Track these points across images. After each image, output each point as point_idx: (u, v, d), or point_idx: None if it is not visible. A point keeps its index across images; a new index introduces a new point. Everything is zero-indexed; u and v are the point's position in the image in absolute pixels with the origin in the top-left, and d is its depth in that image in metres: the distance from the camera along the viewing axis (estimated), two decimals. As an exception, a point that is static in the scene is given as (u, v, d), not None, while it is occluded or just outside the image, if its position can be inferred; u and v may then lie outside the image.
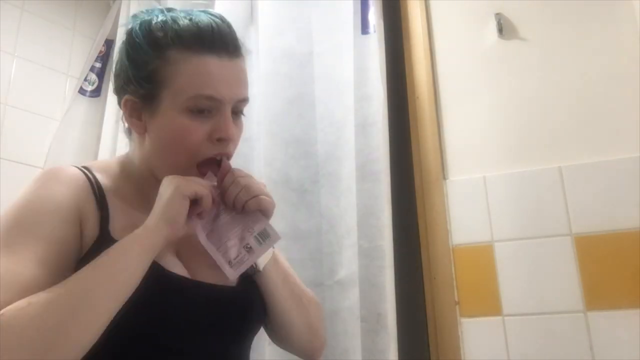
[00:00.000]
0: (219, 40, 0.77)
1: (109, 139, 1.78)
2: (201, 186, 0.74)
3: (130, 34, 0.79)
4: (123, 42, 0.81)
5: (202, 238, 0.78)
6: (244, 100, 0.81)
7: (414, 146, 1.47)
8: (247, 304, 0.83)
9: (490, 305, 1.27)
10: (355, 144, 1.40)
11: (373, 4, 1.55)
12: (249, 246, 0.79)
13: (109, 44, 2.00)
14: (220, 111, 0.77)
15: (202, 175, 0.78)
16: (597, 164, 1.26)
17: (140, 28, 0.78)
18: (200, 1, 1.81)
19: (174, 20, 0.77)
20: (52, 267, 0.67)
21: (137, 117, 0.80)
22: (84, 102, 1.95)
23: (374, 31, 1.52)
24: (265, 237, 0.79)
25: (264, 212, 0.79)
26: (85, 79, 1.98)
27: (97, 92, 1.99)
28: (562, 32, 1.38)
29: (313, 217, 1.39)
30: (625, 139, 1.25)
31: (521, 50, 1.42)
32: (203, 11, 0.80)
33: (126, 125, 0.84)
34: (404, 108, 1.53)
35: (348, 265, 1.31)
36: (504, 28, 1.43)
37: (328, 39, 1.52)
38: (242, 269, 0.79)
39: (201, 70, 0.75)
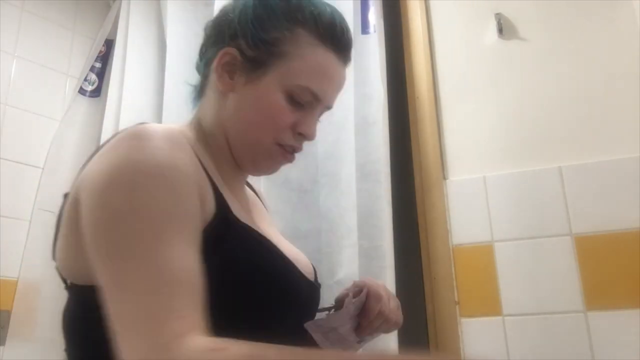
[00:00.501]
0: (345, 42, 0.76)
1: (109, 139, 1.78)
2: None
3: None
4: (251, 4, 0.74)
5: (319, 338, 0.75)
6: (329, 108, 0.80)
7: (414, 146, 1.47)
8: (317, 302, 0.83)
9: (490, 305, 1.27)
10: (355, 144, 1.40)
11: (373, 4, 1.55)
12: (360, 341, 0.83)
13: (109, 44, 2.00)
14: (313, 109, 0.76)
15: None
16: (597, 164, 1.26)
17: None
18: (200, 1, 1.81)
19: (312, 2, 0.74)
20: (196, 247, 0.58)
21: (229, 74, 0.74)
22: (84, 102, 1.96)
23: (374, 31, 1.52)
24: (379, 334, 0.85)
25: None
26: (85, 79, 1.98)
27: (97, 92, 1.99)
28: (562, 32, 1.38)
29: (313, 218, 1.39)
30: (625, 139, 1.25)
31: (521, 50, 1.42)
32: (334, 9, 0.77)
33: (209, 78, 0.77)
34: (404, 108, 1.53)
35: (348, 265, 1.31)
36: (504, 28, 1.43)
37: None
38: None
39: (322, 66, 0.74)
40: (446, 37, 1.53)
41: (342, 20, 0.76)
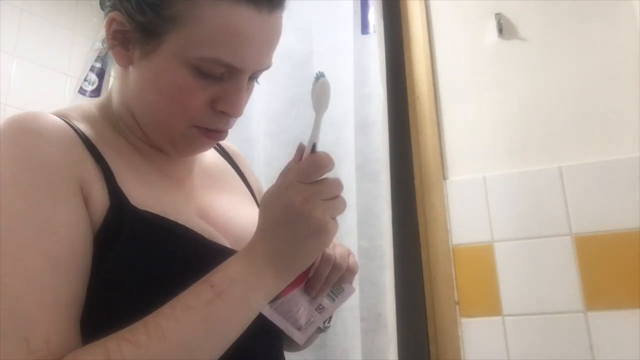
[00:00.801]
0: None
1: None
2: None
3: None
4: None
5: (266, 310, 0.62)
6: (267, 68, 0.64)
7: (414, 146, 1.47)
8: None
9: (490, 305, 1.27)
10: (355, 144, 1.39)
11: (373, 4, 1.55)
12: (321, 307, 0.68)
13: (109, 44, 2.00)
14: (235, 79, 0.60)
15: None
16: (597, 164, 1.26)
17: None
18: None
19: None
20: (71, 263, 0.50)
21: (122, 44, 0.60)
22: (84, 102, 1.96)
23: (374, 31, 1.52)
24: (339, 292, 0.70)
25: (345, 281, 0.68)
26: (85, 79, 1.98)
27: (97, 92, 1.98)
28: (562, 32, 1.38)
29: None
30: (625, 139, 1.25)
31: (521, 50, 1.42)
32: None
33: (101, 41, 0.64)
34: (404, 108, 1.53)
35: (348, 265, 1.31)
36: (504, 28, 1.43)
37: (328, 39, 1.52)
38: (312, 329, 0.68)
39: (231, 27, 0.56)
40: (446, 37, 1.53)
41: None
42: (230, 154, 0.84)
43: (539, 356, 1.21)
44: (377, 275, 1.31)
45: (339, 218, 0.58)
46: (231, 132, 0.68)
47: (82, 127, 0.60)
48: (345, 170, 1.39)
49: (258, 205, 0.73)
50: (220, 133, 0.64)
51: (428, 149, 1.44)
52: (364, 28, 1.54)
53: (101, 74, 2.01)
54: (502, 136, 1.39)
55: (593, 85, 1.32)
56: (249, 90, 0.65)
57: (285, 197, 0.54)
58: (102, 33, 0.63)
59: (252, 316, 0.54)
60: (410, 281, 1.42)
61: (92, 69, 2.01)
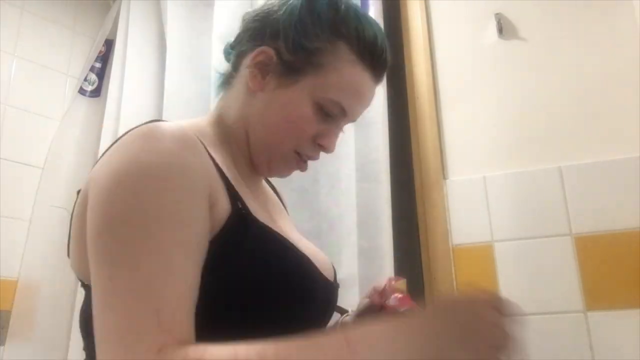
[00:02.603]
0: (383, 63, 0.75)
1: (109, 139, 1.78)
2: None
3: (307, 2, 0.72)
4: (302, 1, 0.73)
5: None
6: (354, 121, 0.79)
7: (414, 146, 1.47)
8: (336, 303, 0.82)
9: (490, 305, 1.27)
10: (355, 144, 1.40)
11: (373, 3, 1.55)
12: None
13: (109, 44, 2.00)
14: (338, 123, 0.75)
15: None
16: (597, 164, 1.26)
17: (327, 3, 0.72)
18: (201, 1, 1.81)
19: (358, 18, 0.73)
20: (199, 260, 0.57)
21: (262, 73, 0.72)
22: (84, 102, 1.96)
23: (374, 31, 1.52)
24: None
25: None
26: (85, 79, 1.99)
27: (97, 92, 1.99)
28: (562, 32, 1.38)
29: (313, 217, 1.39)
30: (625, 139, 1.25)
31: (521, 50, 1.42)
32: (377, 25, 0.76)
33: (240, 72, 0.75)
34: (404, 108, 1.53)
35: (348, 265, 1.31)
36: (504, 28, 1.43)
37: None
38: None
39: (356, 83, 0.73)
40: (446, 37, 1.53)
41: (384, 40, 0.75)
42: (276, 189, 0.96)
43: (539, 356, 1.20)
44: (377, 275, 1.31)
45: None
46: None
47: (202, 140, 0.66)
48: (345, 170, 1.39)
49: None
50: (306, 163, 0.77)
51: (428, 149, 1.44)
52: (364, 28, 1.54)
53: (101, 74, 2.01)
54: (502, 136, 1.39)
55: (593, 85, 1.32)
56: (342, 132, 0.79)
57: (480, 308, 0.58)
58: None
59: None
60: (410, 281, 1.42)
61: (92, 69, 2.01)
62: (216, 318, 0.56)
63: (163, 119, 1.65)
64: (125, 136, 0.62)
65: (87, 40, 2.08)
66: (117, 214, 0.55)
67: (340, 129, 0.77)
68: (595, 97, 1.31)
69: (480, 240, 1.32)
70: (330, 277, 0.77)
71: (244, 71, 0.74)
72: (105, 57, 2.01)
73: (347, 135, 1.41)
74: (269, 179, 0.93)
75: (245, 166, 0.76)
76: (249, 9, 1.88)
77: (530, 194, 1.31)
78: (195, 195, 0.58)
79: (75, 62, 2.03)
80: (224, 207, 0.61)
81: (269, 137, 0.73)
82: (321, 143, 0.75)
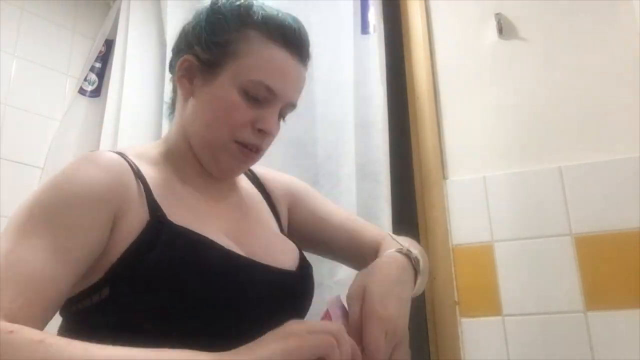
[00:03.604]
0: (297, 41, 0.79)
1: (109, 139, 1.78)
2: (327, 343, 0.55)
3: (216, 2, 0.80)
4: (205, 8, 0.81)
5: None
6: (292, 106, 0.82)
7: (414, 146, 1.47)
8: (304, 291, 0.81)
9: (490, 305, 1.27)
10: (355, 144, 1.39)
11: (373, 4, 1.55)
12: None
13: (109, 44, 2.00)
14: (271, 105, 0.77)
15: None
16: (597, 164, 1.25)
17: (231, 3, 0.79)
18: (201, 1, 1.81)
19: (263, 7, 0.78)
20: (71, 258, 0.62)
21: (188, 79, 0.79)
22: (84, 102, 1.96)
23: (374, 31, 1.52)
24: None
25: None
26: (85, 79, 1.99)
27: (97, 92, 1.99)
28: (562, 32, 1.38)
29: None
30: (625, 139, 1.25)
31: (521, 50, 1.42)
32: (288, 14, 0.81)
33: (169, 94, 0.85)
34: (404, 108, 1.53)
35: (348, 265, 1.31)
36: (504, 28, 1.43)
37: (328, 39, 1.52)
38: None
39: (274, 61, 0.76)
40: (446, 37, 1.53)
41: (296, 21, 0.80)
42: (262, 180, 0.96)
43: (539, 356, 1.20)
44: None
45: None
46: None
47: (137, 162, 0.74)
48: (345, 170, 1.39)
49: (281, 228, 0.91)
50: (255, 152, 0.79)
51: (428, 149, 1.44)
52: (364, 28, 1.54)
53: (101, 74, 2.01)
54: (502, 136, 1.39)
55: (593, 85, 1.32)
56: (279, 124, 0.81)
57: (289, 327, 0.57)
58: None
59: None
60: (410, 281, 1.42)
61: (92, 69, 2.01)
62: (137, 326, 0.62)
63: (163, 118, 1.65)
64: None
65: (87, 40, 2.08)
66: (20, 211, 0.64)
67: (276, 111, 0.78)
68: (595, 97, 1.31)
69: (480, 240, 1.32)
70: (285, 267, 0.78)
71: (180, 90, 0.81)
72: (105, 57, 2.01)
73: (347, 136, 1.41)
74: (265, 183, 0.95)
75: (196, 177, 0.80)
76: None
77: (530, 194, 1.31)
78: (92, 210, 0.65)
79: (75, 62, 2.03)
80: (139, 217, 0.68)
81: (205, 133, 0.77)
82: (260, 127, 0.77)
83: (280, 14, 0.79)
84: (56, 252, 0.61)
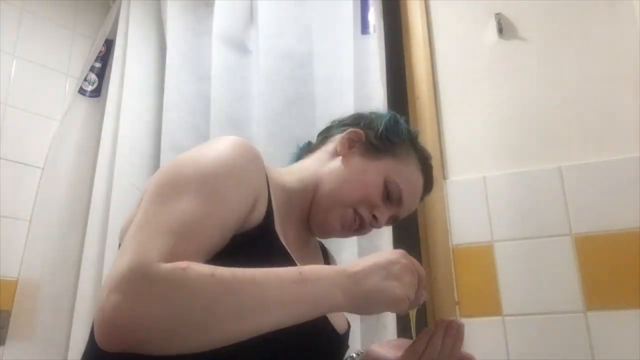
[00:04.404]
0: (431, 182, 0.96)
1: (109, 139, 1.78)
2: (411, 293, 0.69)
3: (396, 115, 0.95)
4: (388, 114, 0.95)
5: None
6: (395, 220, 0.94)
7: (414, 146, 1.47)
8: (344, 351, 0.89)
9: (490, 305, 1.27)
10: (355, 144, 1.39)
11: (373, 4, 1.55)
12: None
13: (109, 44, 2.00)
14: (392, 207, 0.89)
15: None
16: (597, 164, 1.26)
17: (406, 127, 0.94)
18: (201, 1, 1.81)
19: (421, 144, 0.96)
20: (226, 232, 0.66)
21: (350, 145, 0.89)
22: (84, 102, 1.95)
23: (374, 31, 1.52)
24: None
25: None
26: (85, 79, 1.99)
27: (97, 92, 1.99)
28: (562, 32, 1.38)
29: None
30: (625, 139, 1.25)
31: (521, 50, 1.42)
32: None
33: (324, 144, 0.93)
34: (404, 108, 1.53)
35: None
36: (504, 28, 1.43)
37: (328, 39, 1.52)
38: None
39: (415, 181, 0.91)
40: (446, 37, 1.53)
41: (432, 168, 0.97)
42: (329, 255, 1.07)
43: (539, 356, 1.21)
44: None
45: None
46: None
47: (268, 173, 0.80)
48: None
49: None
50: (356, 230, 0.88)
51: (428, 149, 1.43)
52: (364, 28, 1.54)
53: (101, 74, 2.01)
54: (502, 136, 1.39)
55: (593, 85, 1.32)
56: (385, 223, 0.90)
57: (395, 258, 0.70)
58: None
59: (306, 316, 0.63)
60: (410, 281, 1.42)
61: (92, 69, 2.01)
62: None
63: (163, 118, 1.65)
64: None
65: (87, 40, 2.08)
66: (179, 173, 0.67)
67: (390, 211, 0.89)
68: (596, 97, 1.31)
69: (480, 240, 1.32)
70: (339, 329, 0.82)
71: (330, 144, 0.91)
72: (105, 57, 2.01)
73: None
74: (326, 247, 1.06)
75: (300, 219, 0.88)
76: (249, 9, 1.89)
77: (530, 194, 1.31)
78: (245, 190, 0.69)
79: (75, 62, 2.03)
80: (258, 215, 0.72)
81: (338, 189, 0.86)
82: (376, 214, 0.87)
83: (429, 154, 0.96)
84: (223, 225, 0.65)
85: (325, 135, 0.96)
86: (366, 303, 0.66)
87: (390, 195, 0.87)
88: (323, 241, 1.05)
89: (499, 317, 1.26)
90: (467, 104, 1.45)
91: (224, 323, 0.56)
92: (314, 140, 1.00)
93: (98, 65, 2.01)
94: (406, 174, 0.89)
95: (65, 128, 1.90)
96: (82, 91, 1.97)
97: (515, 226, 1.30)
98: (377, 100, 1.44)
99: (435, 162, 1.43)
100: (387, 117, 0.93)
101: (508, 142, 1.38)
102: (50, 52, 1.96)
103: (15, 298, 1.70)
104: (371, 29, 1.53)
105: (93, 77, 2.00)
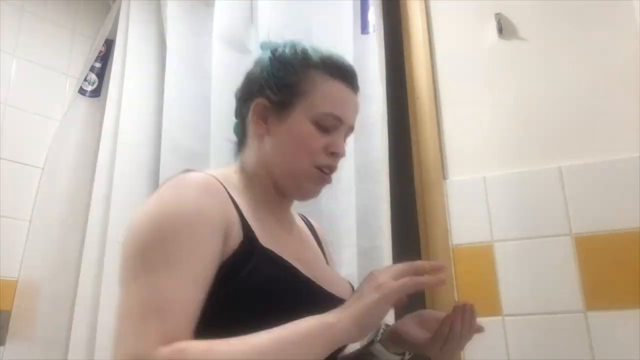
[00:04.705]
0: (351, 76, 0.90)
1: (109, 139, 1.78)
2: (413, 282, 0.72)
3: (277, 50, 0.90)
4: (267, 56, 0.90)
5: None
6: (352, 129, 0.92)
7: (414, 146, 1.47)
8: None
9: (490, 305, 1.27)
10: (354, 144, 1.39)
11: (373, 3, 1.55)
12: None
13: (109, 44, 2.00)
14: (338, 131, 0.88)
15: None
16: (597, 164, 1.26)
17: (289, 48, 0.89)
18: (201, 1, 1.81)
19: (315, 49, 0.90)
20: (204, 283, 0.70)
21: (263, 119, 0.88)
22: (84, 102, 1.96)
23: (374, 31, 1.52)
24: None
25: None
26: (85, 79, 1.99)
27: (97, 92, 1.99)
28: (562, 32, 1.38)
29: (313, 217, 1.39)
30: (625, 139, 1.25)
31: (521, 50, 1.42)
32: (337, 53, 0.93)
33: (247, 130, 0.91)
34: (404, 108, 1.53)
35: (348, 265, 1.31)
36: (504, 28, 1.43)
37: (328, 39, 1.52)
38: None
39: (337, 94, 0.87)
40: (446, 37, 1.53)
41: (342, 57, 0.92)
42: (315, 228, 1.08)
43: (539, 356, 1.21)
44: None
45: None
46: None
47: (224, 185, 0.81)
48: (344, 171, 1.39)
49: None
50: (330, 175, 0.89)
51: (428, 149, 1.44)
52: (364, 27, 1.54)
53: (101, 74, 2.01)
54: (502, 136, 1.39)
55: (593, 85, 1.32)
56: (346, 144, 0.90)
57: (372, 277, 0.73)
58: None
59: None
60: (410, 281, 1.42)
61: (92, 69, 2.01)
62: (225, 324, 0.67)
63: (163, 118, 1.65)
64: (162, 187, 0.77)
65: (87, 40, 2.08)
66: (145, 246, 0.70)
67: (342, 135, 0.89)
68: (595, 97, 1.31)
69: (480, 240, 1.32)
70: (345, 297, 0.84)
71: (250, 127, 0.90)
72: (105, 57, 2.01)
73: (347, 135, 1.41)
74: (310, 221, 1.07)
75: (273, 205, 0.89)
76: (249, 9, 1.88)
77: (530, 194, 1.31)
78: (210, 234, 0.72)
79: (75, 62, 2.03)
80: (237, 236, 0.75)
81: (289, 164, 0.86)
82: (333, 150, 0.86)
83: (330, 52, 0.90)
84: (196, 281, 0.69)
85: (240, 120, 0.94)
86: (367, 316, 0.70)
87: (328, 127, 0.86)
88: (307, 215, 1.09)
89: (499, 317, 1.26)
90: (467, 104, 1.45)
91: None
92: None
93: (98, 65, 2.01)
94: (325, 97, 0.86)
95: (65, 128, 1.90)
96: (82, 91, 1.97)
97: (515, 226, 1.30)
98: (376, 100, 1.44)
99: (435, 162, 1.44)
100: (269, 65, 0.89)
101: (508, 142, 1.38)
102: (50, 52, 1.96)
103: (15, 298, 1.70)
104: (371, 28, 1.53)
105: (93, 77, 2.00)
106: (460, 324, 0.81)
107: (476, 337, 1.25)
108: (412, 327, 0.88)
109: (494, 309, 1.26)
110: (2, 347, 1.65)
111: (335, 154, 0.87)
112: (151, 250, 0.69)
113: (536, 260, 1.26)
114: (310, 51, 0.89)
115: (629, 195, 1.20)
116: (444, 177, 1.42)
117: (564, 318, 1.20)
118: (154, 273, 0.67)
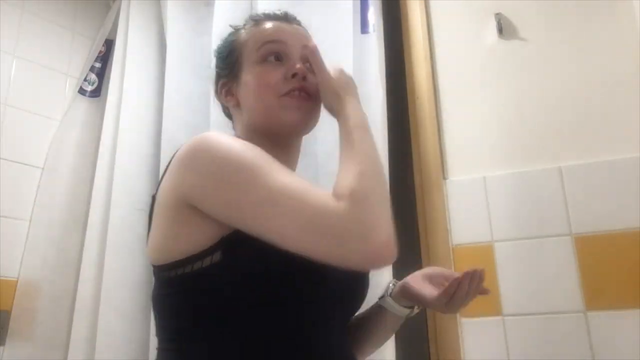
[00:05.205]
0: (281, 16, 0.96)
1: (109, 139, 1.78)
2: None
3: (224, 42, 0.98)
4: (217, 45, 1.00)
5: None
6: (308, 47, 0.90)
7: (414, 146, 1.47)
8: (366, 286, 0.93)
9: (490, 305, 1.27)
10: (355, 143, 1.39)
11: (372, 3, 1.55)
12: None
13: (109, 44, 2.00)
14: (288, 55, 0.90)
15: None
16: (597, 164, 1.26)
17: (225, 39, 0.98)
18: (201, 1, 1.81)
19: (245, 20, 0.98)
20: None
21: (230, 94, 0.94)
22: (84, 102, 1.96)
23: (374, 30, 1.52)
24: None
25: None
26: (85, 79, 1.99)
27: (97, 92, 1.99)
28: (562, 32, 1.38)
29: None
30: (625, 139, 1.25)
31: (521, 50, 1.42)
32: None
33: (229, 110, 0.98)
34: (404, 108, 1.53)
35: (348, 265, 1.31)
36: (504, 28, 1.43)
37: (327, 39, 1.51)
38: None
39: (266, 28, 0.92)
40: (446, 37, 1.53)
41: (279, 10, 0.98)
42: None
43: (539, 356, 1.21)
44: (376, 275, 1.31)
45: None
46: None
47: None
48: (345, 170, 1.39)
49: None
50: (305, 96, 0.89)
51: (428, 149, 1.44)
52: (364, 27, 1.54)
53: (101, 74, 2.01)
54: (502, 136, 1.39)
55: (593, 85, 1.32)
56: (309, 70, 0.90)
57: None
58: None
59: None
60: (410, 281, 1.42)
61: (92, 69, 2.01)
62: (240, 288, 0.72)
63: (163, 118, 1.65)
64: (183, 145, 0.79)
65: (87, 40, 2.08)
66: (221, 166, 0.73)
67: (295, 58, 0.90)
68: (595, 97, 1.31)
69: (480, 240, 1.32)
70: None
71: (228, 106, 0.98)
72: (105, 57, 2.01)
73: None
74: None
75: (281, 160, 0.91)
76: (249, 9, 1.89)
77: (530, 194, 1.31)
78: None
79: (75, 62, 2.03)
80: None
81: (259, 109, 0.89)
82: (291, 72, 0.88)
83: (248, 17, 0.98)
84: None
85: (222, 106, 1.00)
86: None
87: (274, 55, 0.89)
88: None
89: (499, 317, 1.26)
90: (467, 104, 1.45)
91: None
92: None
93: (98, 65, 2.01)
94: (256, 37, 0.92)
95: (65, 128, 1.90)
96: (82, 91, 1.97)
97: (515, 226, 1.30)
98: (376, 100, 1.43)
99: (435, 162, 1.44)
100: (215, 53, 0.99)
101: (508, 142, 1.38)
102: (50, 52, 1.96)
103: (15, 298, 1.70)
104: (370, 28, 1.53)
105: (93, 77, 2.00)
106: (467, 285, 0.85)
107: (476, 337, 1.24)
108: (421, 283, 0.92)
109: (494, 309, 1.26)
110: (2, 347, 1.65)
111: (294, 75, 0.88)
112: (237, 167, 0.72)
113: (536, 260, 1.26)
114: (244, 21, 0.97)
115: (629, 195, 1.20)
116: (444, 177, 1.42)
117: (564, 318, 1.20)
118: (265, 175, 0.70)
